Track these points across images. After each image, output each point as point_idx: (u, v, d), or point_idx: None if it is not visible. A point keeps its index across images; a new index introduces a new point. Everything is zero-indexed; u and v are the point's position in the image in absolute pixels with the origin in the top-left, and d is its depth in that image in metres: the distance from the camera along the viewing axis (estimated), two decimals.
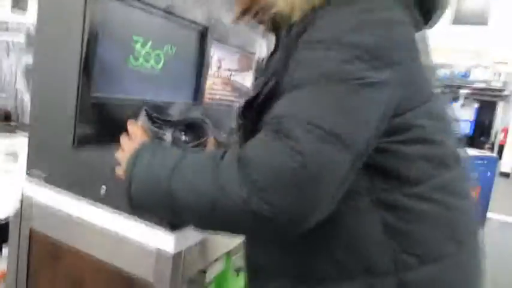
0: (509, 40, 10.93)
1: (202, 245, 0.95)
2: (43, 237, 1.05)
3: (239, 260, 1.00)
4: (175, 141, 0.98)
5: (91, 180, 0.95)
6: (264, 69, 0.82)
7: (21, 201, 1.08)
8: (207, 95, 1.54)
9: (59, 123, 0.99)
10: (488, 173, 3.04)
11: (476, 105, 7.03)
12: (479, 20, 11.85)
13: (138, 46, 1.10)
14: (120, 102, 1.07)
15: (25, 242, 1.08)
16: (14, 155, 1.38)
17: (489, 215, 4.91)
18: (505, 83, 5.46)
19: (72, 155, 0.98)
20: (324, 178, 0.56)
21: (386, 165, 0.66)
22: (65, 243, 1.01)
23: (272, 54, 0.80)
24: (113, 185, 0.91)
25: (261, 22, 0.80)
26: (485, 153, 2.86)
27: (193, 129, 1.05)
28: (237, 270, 1.06)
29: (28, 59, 1.86)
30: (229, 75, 1.68)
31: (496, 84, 5.51)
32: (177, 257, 0.85)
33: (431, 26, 0.77)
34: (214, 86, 1.59)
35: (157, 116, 0.99)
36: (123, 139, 0.80)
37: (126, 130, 0.82)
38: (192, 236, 0.89)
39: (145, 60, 1.14)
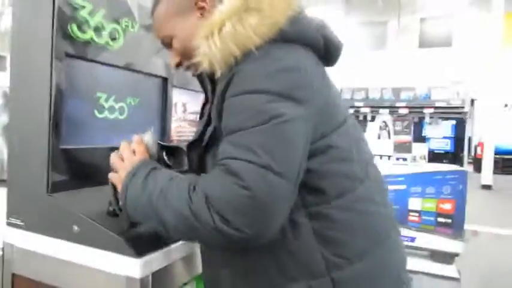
0: (468, 60, 11.57)
1: (170, 269, 1.06)
2: (25, 280, 1.13)
3: None
4: (160, 162, 1.10)
5: (64, 222, 1.05)
6: (200, 116, 0.98)
7: (3, 249, 1.17)
8: (175, 137, 1.68)
9: (34, 174, 1.11)
10: (460, 186, 3.19)
11: (453, 122, 7.34)
12: (443, 42, 12.57)
13: (102, 101, 1.24)
14: (88, 150, 1.19)
15: (8, 286, 1.16)
16: None
17: (477, 228, 5.05)
18: (463, 101, 5.90)
19: (47, 201, 1.09)
20: (272, 203, 0.71)
21: (313, 183, 0.80)
22: (45, 283, 1.10)
23: (206, 103, 0.96)
24: (83, 224, 1.02)
25: (194, 74, 0.96)
26: (456, 167, 3.03)
27: (175, 154, 1.17)
28: None
29: (5, 119, 1.98)
30: (196, 117, 1.83)
31: (456, 103, 5.96)
32: (144, 280, 0.96)
33: (334, 63, 0.93)
34: (180, 129, 1.74)
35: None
36: (125, 149, 0.94)
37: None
38: (159, 260, 1.00)
39: (110, 113, 1.28)
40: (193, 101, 1.77)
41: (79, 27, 1.12)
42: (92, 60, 1.19)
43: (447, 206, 2.87)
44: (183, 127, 1.75)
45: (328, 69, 0.91)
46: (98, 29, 1.18)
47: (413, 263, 2.90)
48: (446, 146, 8.70)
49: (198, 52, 0.82)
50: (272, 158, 0.71)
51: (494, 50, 9.19)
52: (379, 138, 3.81)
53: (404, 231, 2.96)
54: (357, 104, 6.85)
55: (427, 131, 6.26)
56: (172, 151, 1.14)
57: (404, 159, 3.66)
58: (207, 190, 0.72)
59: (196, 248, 1.14)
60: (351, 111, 6.79)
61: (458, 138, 7.57)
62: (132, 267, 0.95)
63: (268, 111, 0.73)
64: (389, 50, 13.10)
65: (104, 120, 1.26)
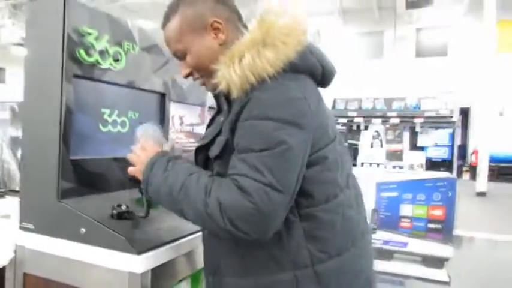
0: (464, 69, 11.73)
1: (169, 265, 1.18)
2: (35, 279, 1.26)
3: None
4: None
5: (72, 225, 1.18)
6: (209, 124, 1.11)
7: (15, 251, 1.30)
8: None
9: (45, 182, 1.24)
10: (449, 193, 3.30)
11: (450, 130, 7.48)
12: (439, 51, 12.76)
13: (106, 116, 1.38)
14: (94, 161, 1.33)
15: (20, 285, 1.28)
16: (6, 216, 1.60)
17: (473, 234, 5.15)
18: (451, 111, 6.09)
19: (57, 206, 1.22)
20: (272, 213, 0.87)
21: (306, 188, 0.95)
22: (55, 281, 1.22)
23: (217, 113, 1.09)
24: (90, 226, 1.14)
25: (203, 85, 1.09)
26: (446, 175, 3.16)
27: None
28: None
29: (12, 132, 2.10)
30: (192, 129, 1.97)
31: (444, 112, 6.14)
32: (145, 275, 1.08)
33: (327, 86, 1.08)
34: (178, 140, 1.87)
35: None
36: (137, 148, 1.09)
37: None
38: (158, 258, 1.13)
39: (113, 127, 1.42)
40: (190, 114, 1.91)
41: (86, 51, 1.26)
42: (97, 80, 1.33)
43: (437, 212, 2.98)
44: (180, 138, 1.89)
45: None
46: (102, 53, 1.32)
47: (405, 268, 3.01)
48: (444, 154, 8.79)
49: (217, 75, 0.96)
50: (275, 178, 0.86)
51: (489, 58, 9.38)
52: (371, 147, 3.92)
53: (397, 237, 3.08)
54: (350, 114, 7.02)
55: (419, 140, 6.44)
56: None
57: (401, 168, 3.76)
58: (221, 199, 0.87)
59: (193, 246, 1.27)
60: (345, 121, 6.95)
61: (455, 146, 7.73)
62: (134, 263, 1.08)
63: (275, 138, 0.88)
64: (386, 59, 13.28)
65: (108, 133, 1.40)
